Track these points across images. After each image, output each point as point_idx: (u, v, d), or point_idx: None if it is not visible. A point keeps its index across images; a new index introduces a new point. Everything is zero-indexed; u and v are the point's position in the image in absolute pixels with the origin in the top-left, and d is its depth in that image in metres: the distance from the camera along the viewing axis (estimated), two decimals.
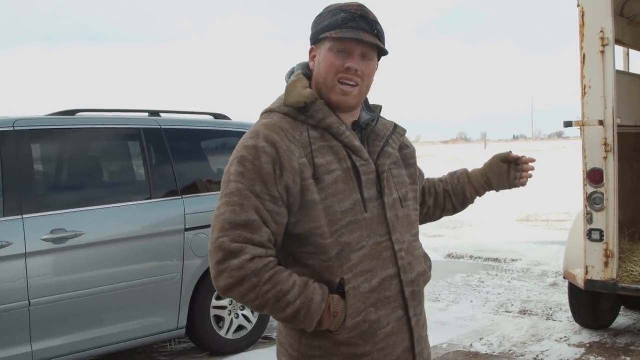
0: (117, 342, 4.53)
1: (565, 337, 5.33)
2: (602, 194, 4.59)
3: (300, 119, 1.80)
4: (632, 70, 6.28)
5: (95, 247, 4.40)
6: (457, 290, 7.12)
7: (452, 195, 2.25)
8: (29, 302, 4.08)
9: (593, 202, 4.64)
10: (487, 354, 5.00)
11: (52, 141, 4.73)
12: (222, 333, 5.10)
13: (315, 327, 1.73)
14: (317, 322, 1.72)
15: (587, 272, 4.71)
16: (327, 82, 1.81)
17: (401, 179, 1.92)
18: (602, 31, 4.50)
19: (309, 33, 1.89)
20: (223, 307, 5.10)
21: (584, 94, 4.61)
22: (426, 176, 2.27)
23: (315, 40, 1.85)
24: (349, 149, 1.80)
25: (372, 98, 1.97)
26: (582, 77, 4.61)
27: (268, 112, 1.86)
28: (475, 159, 39.34)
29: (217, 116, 5.67)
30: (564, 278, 5.28)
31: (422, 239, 1.99)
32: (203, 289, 4.90)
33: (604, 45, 4.51)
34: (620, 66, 5.85)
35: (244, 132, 2.03)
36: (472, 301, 6.61)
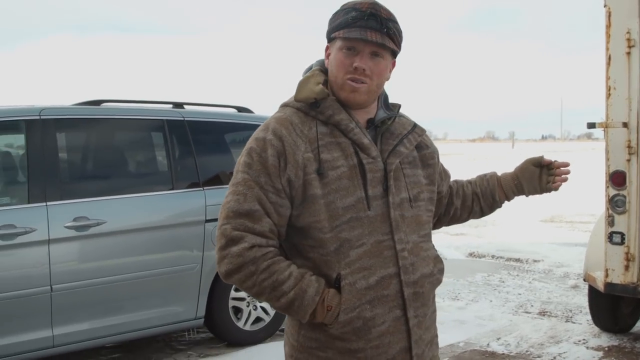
0: (136, 329, 4.61)
1: (583, 339, 5.30)
2: (625, 196, 4.54)
3: (311, 114, 1.82)
4: None
5: (116, 236, 4.48)
6: (477, 289, 7.08)
7: (480, 198, 2.23)
8: (51, 287, 4.17)
9: (615, 204, 4.59)
10: (503, 354, 4.98)
11: (77, 130, 4.81)
12: (240, 324, 5.15)
13: (309, 319, 1.76)
14: (311, 314, 1.75)
15: (607, 275, 4.66)
16: (337, 80, 1.83)
17: (415, 179, 1.91)
18: (628, 32, 4.44)
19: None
20: (241, 299, 5.15)
21: (608, 95, 4.55)
22: (453, 176, 2.25)
23: (329, 38, 1.88)
24: (357, 146, 1.81)
25: (400, 95, 1.96)
26: (607, 78, 4.55)
27: (283, 105, 1.90)
28: (502, 159, 39.09)
29: (240, 109, 5.71)
30: (584, 280, 5.23)
31: (444, 237, 1.98)
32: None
33: (630, 47, 4.45)
34: None
35: None
36: (491, 300, 6.59)
